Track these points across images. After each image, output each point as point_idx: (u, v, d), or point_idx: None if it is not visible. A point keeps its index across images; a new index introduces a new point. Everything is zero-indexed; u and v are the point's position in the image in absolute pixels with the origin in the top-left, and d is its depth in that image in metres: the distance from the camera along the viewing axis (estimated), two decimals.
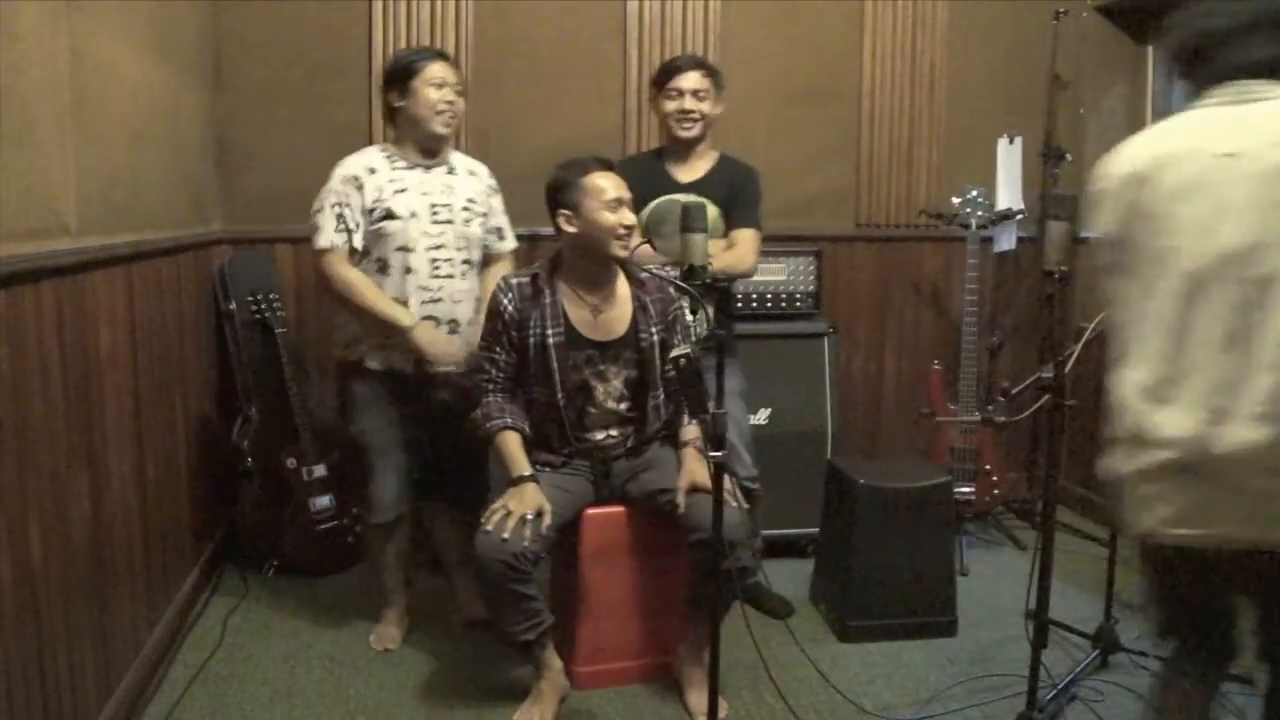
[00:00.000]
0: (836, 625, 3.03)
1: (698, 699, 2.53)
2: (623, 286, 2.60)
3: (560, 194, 2.49)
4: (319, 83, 3.64)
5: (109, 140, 2.37)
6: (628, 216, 2.47)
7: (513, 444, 2.50)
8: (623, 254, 2.48)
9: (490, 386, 2.56)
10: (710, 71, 2.95)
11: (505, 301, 2.53)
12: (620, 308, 2.58)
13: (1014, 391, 2.62)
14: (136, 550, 2.52)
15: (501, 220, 2.90)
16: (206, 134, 3.44)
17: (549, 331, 2.52)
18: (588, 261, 2.54)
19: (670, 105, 2.91)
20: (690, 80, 2.89)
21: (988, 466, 3.61)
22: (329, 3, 3.63)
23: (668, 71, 2.92)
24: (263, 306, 3.37)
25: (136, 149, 2.59)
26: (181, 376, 3.01)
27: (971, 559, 3.54)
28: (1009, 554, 3.69)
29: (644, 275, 2.55)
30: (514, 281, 2.56)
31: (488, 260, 2.90)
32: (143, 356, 2.60)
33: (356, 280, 2.63)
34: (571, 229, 2.49)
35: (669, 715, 2.57)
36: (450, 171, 2.75)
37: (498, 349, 2.54)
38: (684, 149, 2.96)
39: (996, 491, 3.64)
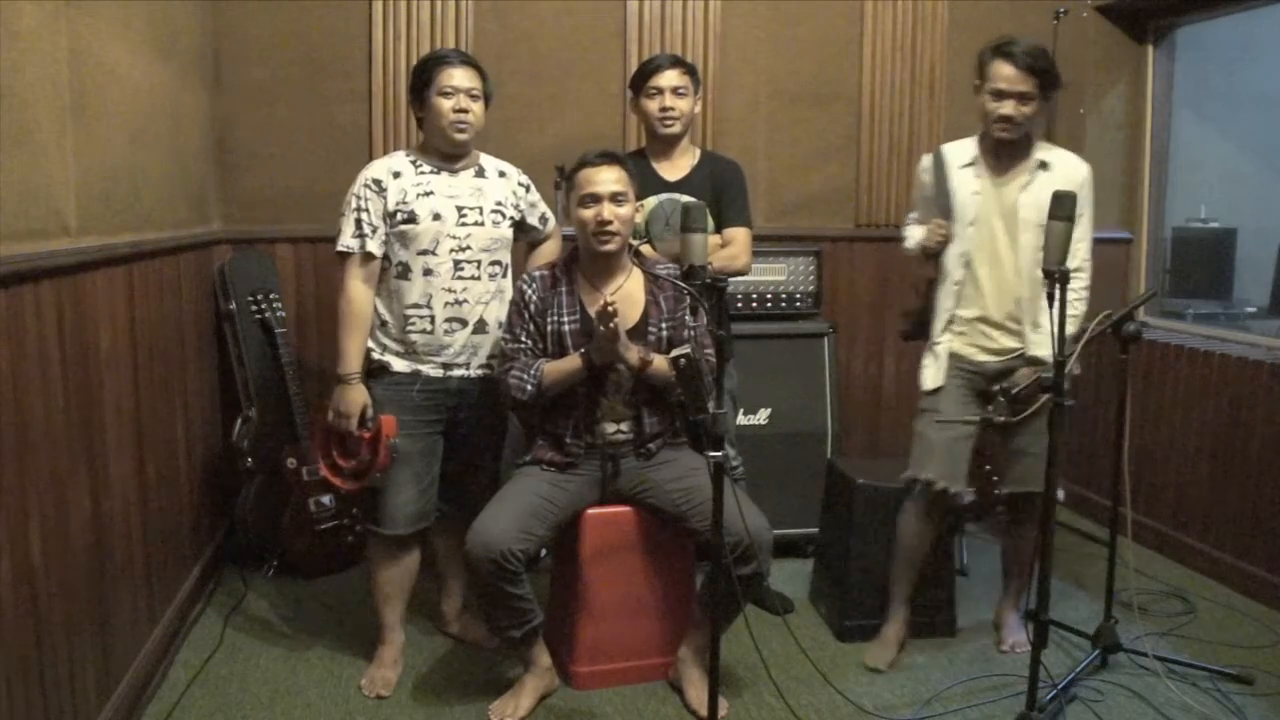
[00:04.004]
0: (836, 625, 3.03)
1: (698, 698, 2.53)
2: (635, 280, 2.61)
3: (567, 188, 2.58)
4: (319, 83, 3.64)
5: (109, 140, 2.37)
6: (605, 212, 2.48)
7: (556, 362, 2.52)
8: (600, 249, 2.51)
9: (510, 363, 2.57)
10: (688, 69, 2.96)
11: (529, 291, 2.59)
12: (632, 300, 2.59)
13: (1014, 391, 2.62)
14: (136, 550, 2.52)
15: (543, 208, 2.86)
16: (206, 134, 3.44)
17: (565, 318, 2.57)
18: (588, 253, 2.58)
19: (651, 105, 2.92)
20: (669, 78, 2.90)
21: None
22: (329, 3, 3.63)
23: (646, 72, 2.93)
24: (263, 306, 3.37)
25: (136, 149, 2.59)
26: (181, 376, 3.01)
27: (971, 559, 3.54)
28: None
29: (661, 271, 2.57)
30: (536, 274, 2.63)
31: (535, 245, 2.88)
32: (143, 356, 2.60)
33: (351, 302, 2.58)
34: (570, 221, 2.58)
35: (669, 715, 2.57)
36: (479, 174, 2.71)
37: (524, 336, 2.58)
38: (667, 147, 2.97)
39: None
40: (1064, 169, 2.69)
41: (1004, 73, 2.62)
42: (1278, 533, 3.19)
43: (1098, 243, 4.16)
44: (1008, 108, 2.61)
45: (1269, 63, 4.32)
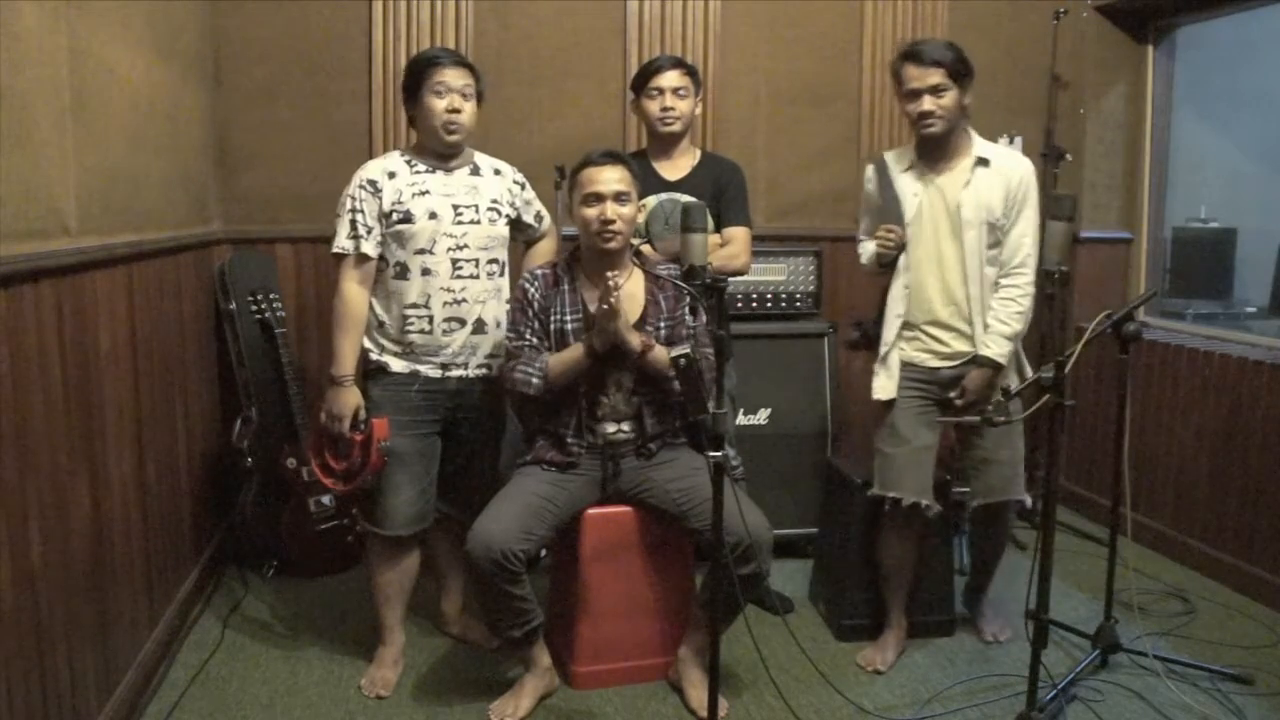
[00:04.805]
0: (835, 625, 3.03)
1: (698, 698, 2.53)
2: (636, 279, 2.61)
3: (570, 186, 2.59)
4: (319, 83, 3.64)
5: (109, 140, 2.37)
6: (608, 212, 2.48)
7: (560, 353, 2.52)
8: (603, 248, 2.51)
9: (514, 360, 2.57)
10: (689, 70, 2.96)
11: (531, 290, 2.59)
12: (633, 300, 2.59)
13: (1014, 391, 2.62)
14: (136, 550, 2.52)
15: (538, 206, 2.86)
16: (206, 134, 3.44)
17: (568, 317, 2.57)
18: (590, 252, 2.58)
19: (652, 105, 2.93)
20: (670, 79, 2.91)
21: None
22: (329, 3, 3.63)
23: (646, 73, 2.95)
24: (263, 306, 3.37)
25: (136, 149, 2.59)
26: (181, 376, 3.01)
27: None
28: (1009, 554, 3.68)
29: (661, 271, 2.57)
30: (538, 272, 2.63)
31: (531, 243, 2.88)
32: (143, 356, 2.60)
33: (346, 303, 2.58)
34: (572, 220, 2.58)
35: (669, 715, 2.57)
36: (474, 172, 2.70)
37: (529, 334, 2.57)
38: (667, 147, 2.98)
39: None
40: (1004, 166, 2.69)
41: (911, 73, 2.65)
42: (1278, 532, 3.19)
43: (1098, 243, 4.23)
44: (925, 104, 2.64)
45: (1269, 63, 4.32)
